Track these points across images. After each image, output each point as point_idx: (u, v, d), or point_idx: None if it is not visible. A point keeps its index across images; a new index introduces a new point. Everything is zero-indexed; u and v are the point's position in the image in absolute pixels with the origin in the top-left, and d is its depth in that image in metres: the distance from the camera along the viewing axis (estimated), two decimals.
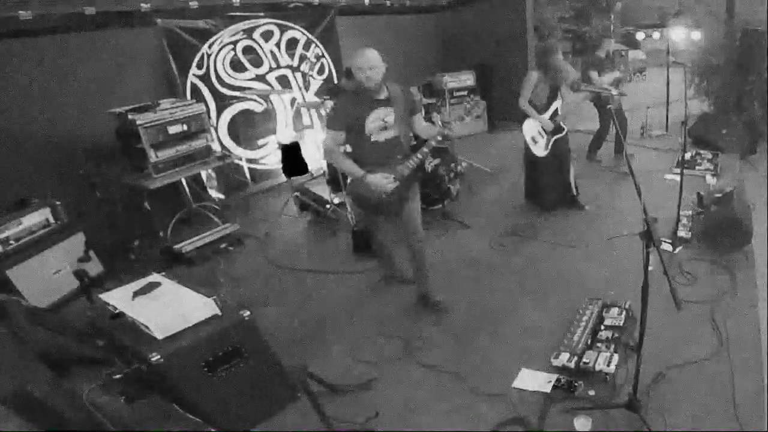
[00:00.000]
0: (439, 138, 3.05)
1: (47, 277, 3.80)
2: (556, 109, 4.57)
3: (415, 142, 3.71)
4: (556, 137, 4.61)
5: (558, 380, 2.65)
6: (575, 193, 4.88)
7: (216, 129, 5.80)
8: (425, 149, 3.07)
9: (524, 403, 2.56)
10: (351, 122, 3.03)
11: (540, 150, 4.61)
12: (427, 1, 8.48)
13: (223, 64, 5.81)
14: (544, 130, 4.58)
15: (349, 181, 3.26)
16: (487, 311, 3.41)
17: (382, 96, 3.03)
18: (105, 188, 4.63)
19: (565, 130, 4.66)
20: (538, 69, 4.53)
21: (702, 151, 5.89)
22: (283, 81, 6.45)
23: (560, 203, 4.85)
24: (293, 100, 6.59)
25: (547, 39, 9.27)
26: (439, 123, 3.07)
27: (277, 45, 6.34)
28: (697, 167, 5.51)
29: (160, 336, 2.17)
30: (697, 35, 7.32)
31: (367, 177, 3.04)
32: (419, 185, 3.33)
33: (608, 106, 5.30)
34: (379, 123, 3.03)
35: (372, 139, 3.05)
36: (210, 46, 5.66)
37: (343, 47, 7.08)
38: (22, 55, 4.28)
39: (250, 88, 6.01)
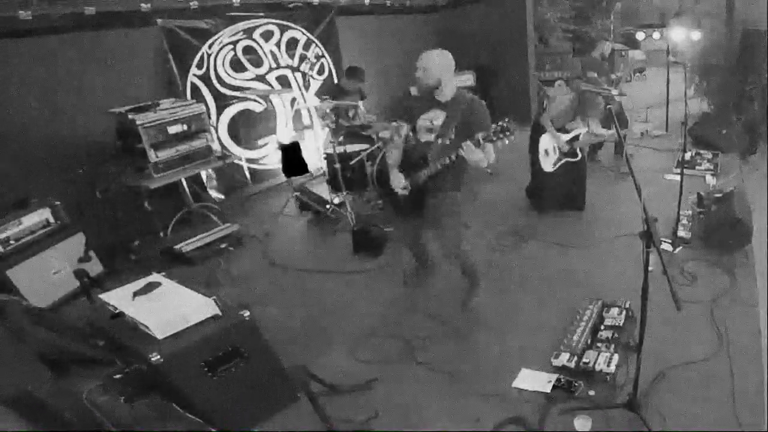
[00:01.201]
0: (448, 161, 2.99)
1: (47, 277, 3.80)
2: (578, 135, 4.55)
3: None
4: (567, 160, 4.60)
5: (558, 380, 2.65)
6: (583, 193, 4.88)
7: (216, 129, 5.80)
8: (438, 164, 3.00)
9: (524, 403, 2.56)
10: (406, 115, 3.17)
11: (548, 165, 4.60)
12: (427, 1, 8.47)
13: (223, 64, 5.81)
14: (558, 148, 4.58)
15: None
16: (487, 311, 3.41)
17: (443, 99, 3.05)
18: (105, 188, 4.63)
19: (580, 156, 4.64)
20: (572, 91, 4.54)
21: (702, 151, 5.89)
22: (283, 81, 6.45)
23: (559, 206, 4.85)
24: (293, 100, 6.60)
25: (548, 40, 9.27)
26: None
27: (277, 45, 6.34)
28: (697, 167, 5.51)
29: (160, 336, 2.17)
30: (697, 35, 7.32)
31: (392, 171, 3.19)
32: (454, 200, 3.21)
33: (608, 107, 5.32)
34: (427, 123, 3.08)
35: (417, 137, 3.16)
36: (210, 46, 5.66)
37: (343, 47, 7.08)
38: (22, 55, 4.28)
39: (250, 88, 6.01)
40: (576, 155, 4.61)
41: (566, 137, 4.54)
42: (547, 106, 4.58)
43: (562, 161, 4.61)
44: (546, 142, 4.60)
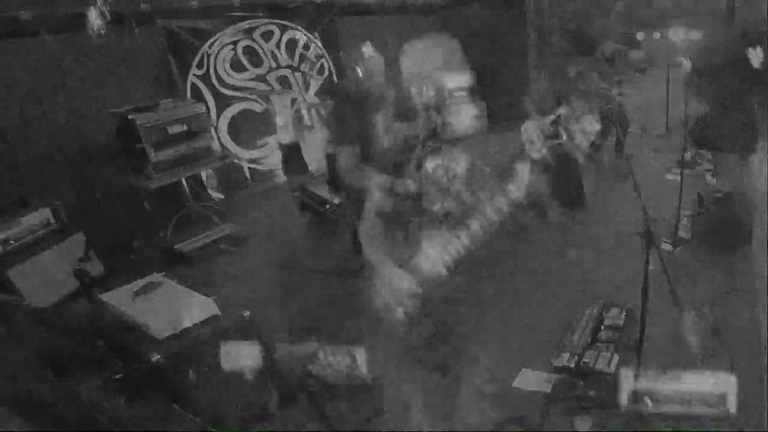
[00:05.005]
0: None
1: (47, 277, 3.80)
2: (559, 115, 4.56)
3: None
4: (551, 142, 4.60)
5: (558, 380, 2.65)
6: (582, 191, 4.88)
7: (216, 129, 5.80)
8: None
9: (524, 403, 2.56)
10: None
11: (534, 152, 4.61)
12: (427, 1, 8.47)
13: (223, 64, 5.81)
14: (542, 132, 4.59)
15: (370, 204, 2.34)
16: (486, 311, 3.40)
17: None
18: (105, 188, 4.63)
19: (564, 136, 4.64)
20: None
21: (702, 151, 5.88)
22: (283, 81, 6.45)
23: (560, 205, 4.85)
24: (293, 100, 6.59)
25: (548, 40, 9.28)
26: None
27: (277, 45, 6.34)
28: (697, 167, 5.51)
29: (160, 336, 2.18)
30: (697, 35, 7.32)
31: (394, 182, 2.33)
32: None
33: (608, 107, 5.32)
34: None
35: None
36: (210, 46, 5.66)
37: (343, 47, 7.08)
38: (22, 55, 4.28)
39: (250, 88, 6.01)
40: (558, 136, 4.61)
41: (548, 119, 4.55)
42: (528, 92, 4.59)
43: (547, 144, 4.60)
44: (530, 130, 4.59)
